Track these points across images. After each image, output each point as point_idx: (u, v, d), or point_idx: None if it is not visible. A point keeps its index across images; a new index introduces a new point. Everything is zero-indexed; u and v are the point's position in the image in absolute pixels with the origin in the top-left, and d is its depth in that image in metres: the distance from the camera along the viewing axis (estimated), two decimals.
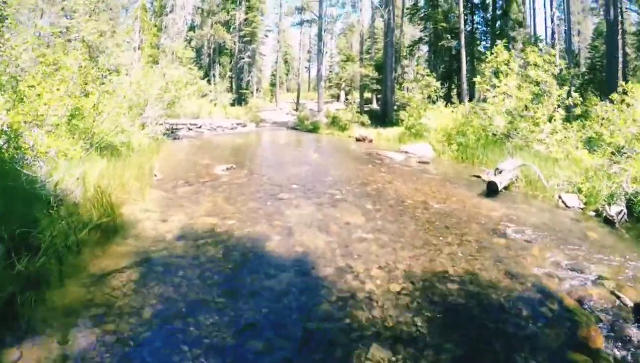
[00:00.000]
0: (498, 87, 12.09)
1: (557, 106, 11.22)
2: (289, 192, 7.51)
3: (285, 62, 54.26)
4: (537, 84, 11.84)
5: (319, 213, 6.23)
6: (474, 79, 14.04)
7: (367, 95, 32.25)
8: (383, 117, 22.05)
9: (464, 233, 5.45)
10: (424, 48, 32.52)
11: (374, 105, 31.14)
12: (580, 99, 11.11)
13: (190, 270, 4.04)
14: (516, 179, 8.49)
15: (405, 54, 30.13)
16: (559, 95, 11.33)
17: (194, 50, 32.49)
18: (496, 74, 12.62)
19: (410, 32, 34.93)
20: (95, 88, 7.79)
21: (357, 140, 17.47)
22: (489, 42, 24.97)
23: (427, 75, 17.80)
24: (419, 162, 11.81)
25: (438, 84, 17.81)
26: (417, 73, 19.46)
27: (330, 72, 47.68)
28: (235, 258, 4.45)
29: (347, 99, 34.60)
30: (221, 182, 8.11)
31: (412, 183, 8.70)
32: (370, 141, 17.07)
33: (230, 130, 21.63)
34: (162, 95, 15.50)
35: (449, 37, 24.82)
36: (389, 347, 2.95)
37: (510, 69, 12.18)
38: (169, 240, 4.82)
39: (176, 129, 18.64)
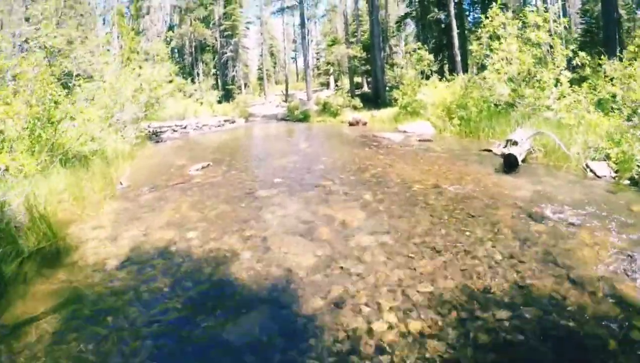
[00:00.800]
0: (496, 52, 10.94)
1: (563, 68, 10.06)
2: (270, 188, 6.32)
3: (271, 54, 52.66)
4: (539, 46, 10.71)
5: (306, 213, 5.02)
6: (469, 47, 13.07)
7: (357, 79, 31.60)
8: (375, 99, 21.30)
9: (495, 223, 4.29)
10: (412, 26, 31.47)
11: (365, 89, 30.23)
12: (588, 58, 10.02)
13: (124, 314, 2.88)
14: (532, 150, 7.62)
15: (392, 31, 29.17)
16: (564, 55, 10.22)
17: (176, 49, 31.36)
18: (492, 39, 11.71)
19: (396, 13, 33.82)
20: (53, 94, 6.96)
21: (351, 124, 16.54)
22: (479, 11, 23.93)
23: (419, 49, 16.92)
24: (420, 140, 10.70)
25: (431, 56, 16.74)
26: (406, 52, 18.47)
27: (317, 59, 46.77)
28: (188, 292, 3.22)
29: (337, 85, 33.65)
30: (192, 184, 6.89)
31: (417, 165, 7.58)
32: (365, 124, 16.17)
33: (217, 127, 20.50)
34: (138, 97, 14.29)
35: (437, 10, 23.72)
36: None
37: (508, 33, 11.11)
38: (109, 268, 3.65)
39: (160, 131, 17.62)
